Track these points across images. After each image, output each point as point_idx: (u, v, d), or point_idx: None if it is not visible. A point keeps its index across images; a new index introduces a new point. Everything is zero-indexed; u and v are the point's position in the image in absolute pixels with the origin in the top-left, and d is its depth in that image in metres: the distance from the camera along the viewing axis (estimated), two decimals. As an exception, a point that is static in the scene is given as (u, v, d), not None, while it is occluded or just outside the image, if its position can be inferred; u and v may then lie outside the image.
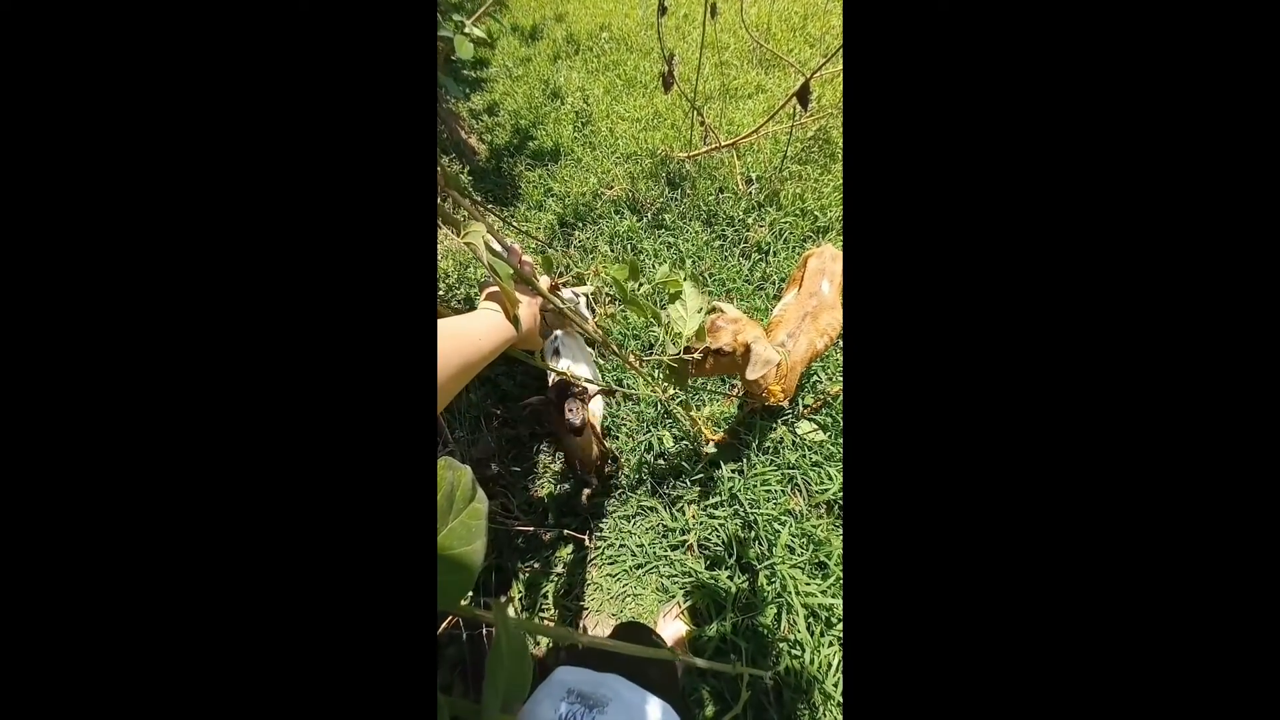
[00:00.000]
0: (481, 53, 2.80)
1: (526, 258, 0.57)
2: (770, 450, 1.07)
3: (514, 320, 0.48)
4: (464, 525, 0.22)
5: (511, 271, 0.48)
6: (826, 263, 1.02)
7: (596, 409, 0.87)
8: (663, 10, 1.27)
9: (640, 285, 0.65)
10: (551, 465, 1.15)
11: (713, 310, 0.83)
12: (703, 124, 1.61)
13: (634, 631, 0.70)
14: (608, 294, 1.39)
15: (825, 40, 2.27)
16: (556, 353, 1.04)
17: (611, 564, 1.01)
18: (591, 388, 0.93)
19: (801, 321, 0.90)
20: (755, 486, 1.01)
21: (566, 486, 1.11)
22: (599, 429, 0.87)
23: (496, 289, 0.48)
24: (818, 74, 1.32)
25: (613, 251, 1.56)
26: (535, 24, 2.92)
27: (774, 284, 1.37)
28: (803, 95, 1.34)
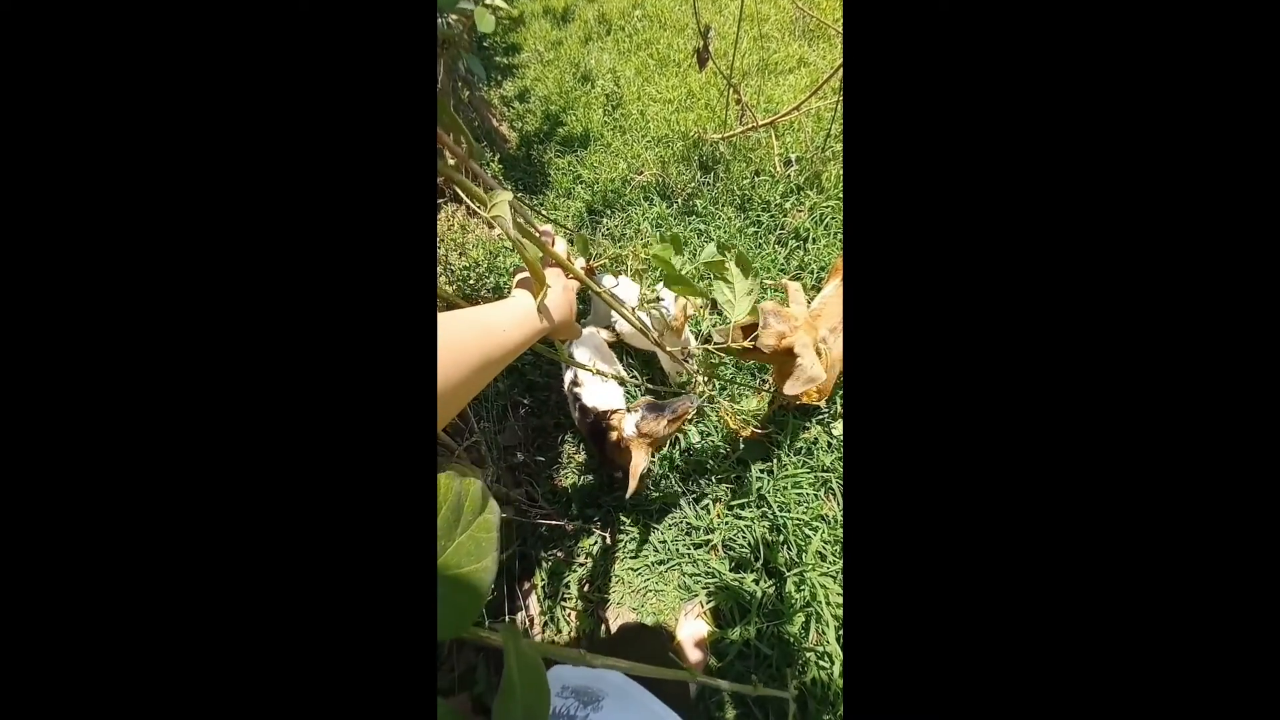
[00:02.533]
0: (513, 37, 2.78)
1: (561, 241, 0.53)
2: (803, 451, 1.01)
3: (542, 307, 0.44)
4: (473, 540, 0.20)
5: (539, 253, 0.45)
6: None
7: (630, 426, 0.81)
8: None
9: (683, 267, 0.60)
10: (576, 456, 1.15)
11: (777, 295, 0.77)
12: (739, 102, 1.52)
13: (646, 634, 0.68)
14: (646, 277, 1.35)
15: (878, 4, 2.07)
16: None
17: (634, 558, 1.00)
18: (613, 400, 0.90)
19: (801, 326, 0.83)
20: (786, 489, 0.96)
21: (590, 478, 1.10)
22: (642, 439, 0.81)
23: (527, 274, 0.45)
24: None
25: (643, 237, 1.51)
26: (567, 5, 2.86)
27: (813, 273, 1.28)
28: (852, 65, 1.22)
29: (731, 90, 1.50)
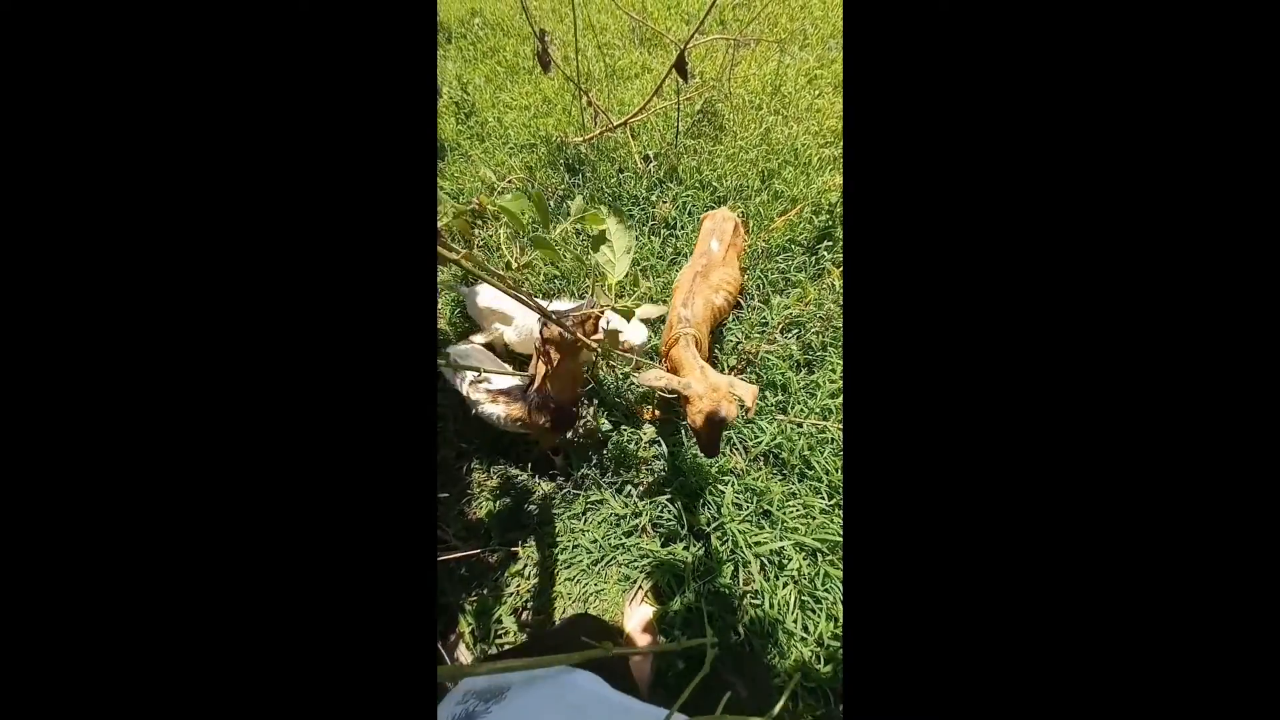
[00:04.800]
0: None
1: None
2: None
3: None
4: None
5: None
6: (718, 223, 1.06)
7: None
8: (522, -18, 1.19)
9: (555, 228, 0.58)
10: (487, 482, 1.06)
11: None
12: (590, 104, 1.57)
13: (574, 625, 0.67)
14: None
15: (700, 17, 2.34)
16: (459, 364, 0.95)
17: (569, 567, 0.96)
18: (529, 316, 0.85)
19: (693, 282, 0.91)
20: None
21: (508, 500, 1.03)
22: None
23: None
24: (691, 46, 1.33)
25: (519, 245, 1.47)
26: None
27: (685, 256, 1.39)
28: (680, 67, 1.35)
29: (582, 94, 1.54)
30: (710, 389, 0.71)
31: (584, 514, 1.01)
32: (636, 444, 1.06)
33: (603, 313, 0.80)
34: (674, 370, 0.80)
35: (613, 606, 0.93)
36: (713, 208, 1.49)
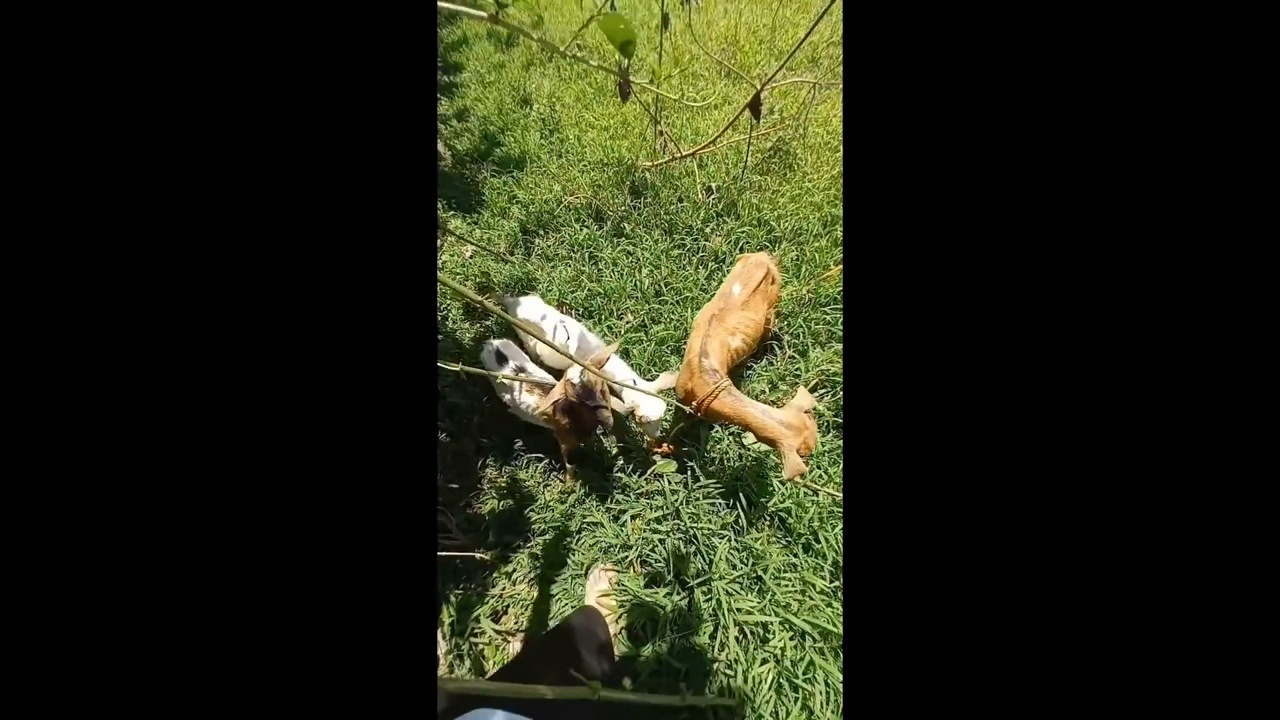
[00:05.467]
0: (454, 56, 2.78)
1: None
2: (716, 461, 1.06)
3: None
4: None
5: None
6: (748, 268, 1.04)
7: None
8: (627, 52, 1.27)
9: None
10: (498, 479, 1.12)
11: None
12: (661, 134, 1.62)
13: (553, 641, 0.67)
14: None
15: (789, 53, 2.32)
16: (501, 357, 1.02)
17: (550, 583, 0.98)
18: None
19: (709, 325, 0.91)
20: (699, 499, 0.99)
21: (510, 502, 1.08)
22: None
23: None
24: (772, 85, 1.33)
25: (574, 258, 1.54)
26: (511, 30, 2.92)
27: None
28: (754, 107, 1.35)
29: (654, 123, 1.59)
30: (787, 426, 0.75)
31: (578, 533, 1.03)
32: (641, 475, 1.06)
33: (614, 393, 0.82)
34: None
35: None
36: (765, 246, 1.46)
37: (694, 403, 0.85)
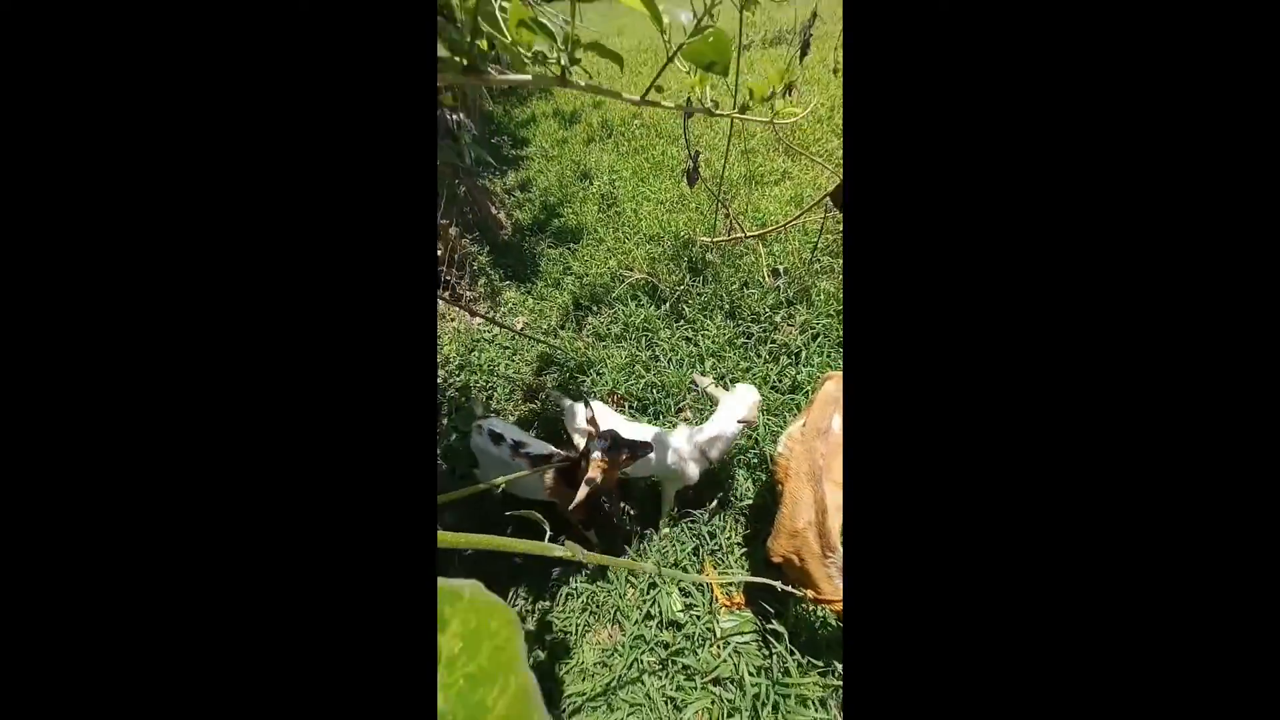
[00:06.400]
0: (523, 132, 3.01)
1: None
2: (804, 639, 0.82)
3: None
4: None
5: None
6: (842, 389, 0.87)
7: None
8: (689, 113, 1.25)
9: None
10: (529, 613, 0.94)
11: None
12: (728, 216, 1.55)
13: None
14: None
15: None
16: (496, 436, 0.93)
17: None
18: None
19: (819, 484, 0.73)
20: (789, 700, 0.76)
21: (541, 655, 0.89)
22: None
23: None
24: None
25: (628, 340, 1.44)
26: (575, 109, 3.15)
27: (806, 394, 1.19)
28: (838, 196, 1.26)
29: (720, 204, 1.54)
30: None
31: None
32: (704, 643, 0.84)
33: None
34: (800, 579, 0.74)
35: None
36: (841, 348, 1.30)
37: (809, 593, 0.69)
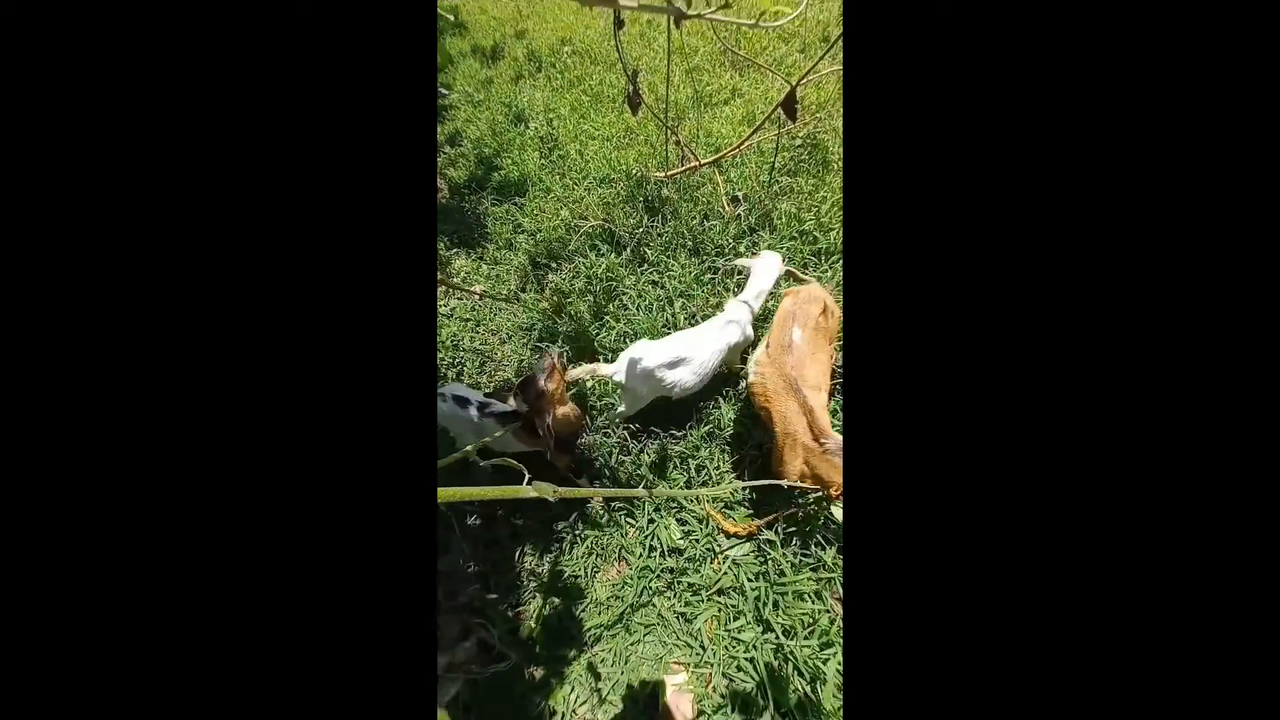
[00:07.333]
0: (439, 77, 2.63)
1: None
2: (796, 545, 0.88)
3: None
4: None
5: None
6: (800, 304, 0.89)
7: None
8: (619, 24, 1.09)
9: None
10: (539, 570, 0.97)
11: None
12: (678, 144, 1.43)
13: None
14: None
15: (802, 35, 2.10)
16: (461, 400, 0.92)
17: (606, 703, 0.82)
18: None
19: (797, 393, 0.76)
20: (787, 597, 0.82)
21: (556, 601, 0.92)
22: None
23: None
24: (806, 81, 1.14)
25: (592, 292, 1.37)
26: (496, 43, 2.75)
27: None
28: (789, 106, 1.16)
29: (669, 132, 1.41)
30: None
31: (639, 642, 0.86)
32: (704, 559, 0.89)
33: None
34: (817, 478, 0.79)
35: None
36: (811, 263, 1.28)
37: (833, 489, 0.74)
